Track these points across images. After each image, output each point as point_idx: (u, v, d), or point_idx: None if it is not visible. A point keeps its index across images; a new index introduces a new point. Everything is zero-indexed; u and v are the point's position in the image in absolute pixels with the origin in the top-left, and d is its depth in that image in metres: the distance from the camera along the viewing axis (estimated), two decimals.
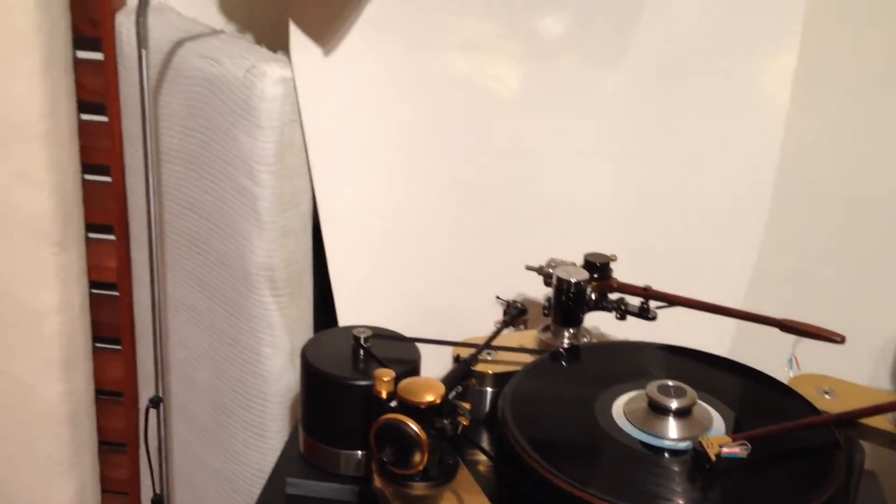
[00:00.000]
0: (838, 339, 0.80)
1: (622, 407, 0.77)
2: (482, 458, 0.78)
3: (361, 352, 0.84)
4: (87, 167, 1.21)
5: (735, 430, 0.74)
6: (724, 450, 0.69)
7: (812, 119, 1.02)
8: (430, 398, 0.69)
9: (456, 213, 1.08)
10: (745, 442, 0.69)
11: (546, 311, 0.91)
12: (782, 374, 0.84)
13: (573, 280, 0.88)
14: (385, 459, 0.70)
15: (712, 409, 0.76)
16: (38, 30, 1.07)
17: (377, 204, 1.09)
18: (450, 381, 0.77)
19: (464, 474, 0.73)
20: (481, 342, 0.87)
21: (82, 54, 1.18)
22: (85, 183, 1.21)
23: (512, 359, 0.87)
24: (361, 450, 0.82)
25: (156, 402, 1.02)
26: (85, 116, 1.20)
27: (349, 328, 0.86)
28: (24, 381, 1.23)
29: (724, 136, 1.01)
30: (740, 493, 0.69)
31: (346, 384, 0.80)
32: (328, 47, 1.03)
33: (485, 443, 0.83)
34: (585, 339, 0.90)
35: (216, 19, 1.15)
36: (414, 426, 0.68)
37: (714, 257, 1.04)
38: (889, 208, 1.04)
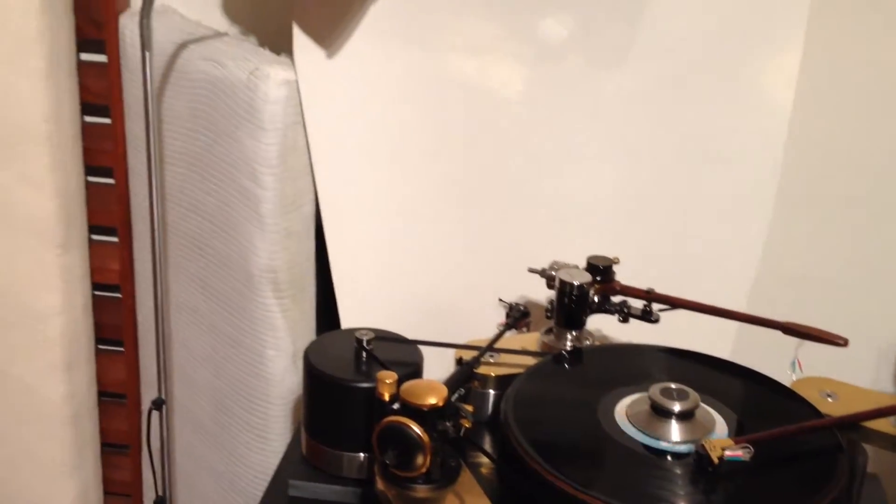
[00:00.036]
0: (841, 342, 0.80)
1: (625, 409, 0.77)
2: (485, 460, 0.78)
3: (364, 354, 0.84)
4: (90, 169, 1.21)
5: (738, 433, 0.74)
6: (727, 453, 0.69)
7: (816, 120, 1.02)
8: (432, 401, 0.69)
9: (459, 215, 1.08)
10: (748, 445, 0.69)
11: (549, 314, 0.91)
12: (785, 377, 0.84)
13: (576, 282, 0.88)
14: (387, 462, 0.70)
15: (715, 411, 0.76)
16: (41, 32, 1.08)
17: (380, 206, 1.09)
18: (452, 383, 0.77)
19: (466, 477, 0.73)
20: (484, 344, 0.87)
21: (86, 56, 1.18)
22: (88, 185, 1.21)
23: (514, 361, 0.87)
24: (364, 452, 0.82)
25: (158, 404, 1.02)
26: (88, 118, 1.20)
27: (352, 330, 0.86)
28: (26, 383, 1.23)
29: (728, 138, 1.01)
30: (743, 496, 0.69)
31: (348, 386, 0.81)
32: (331, 50, 1.03)
33: (487, 445, 0.83)
34: (588, 342, 0.90)
35: (220, 21, 1.15)
36: (416, 428, 0.68)
37: (717, 259, 1.04)
38: (893, 210, 1.04)
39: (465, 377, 0.81)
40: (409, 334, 0.88)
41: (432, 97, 1.04)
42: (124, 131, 1.18)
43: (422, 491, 0.71)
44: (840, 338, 0.80)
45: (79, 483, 1.30)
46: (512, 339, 0.92)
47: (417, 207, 1.08)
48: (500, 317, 0.91)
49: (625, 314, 0.90)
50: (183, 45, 1.07)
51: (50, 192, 1.14)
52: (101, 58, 1.17)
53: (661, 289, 0.89)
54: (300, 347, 1.07)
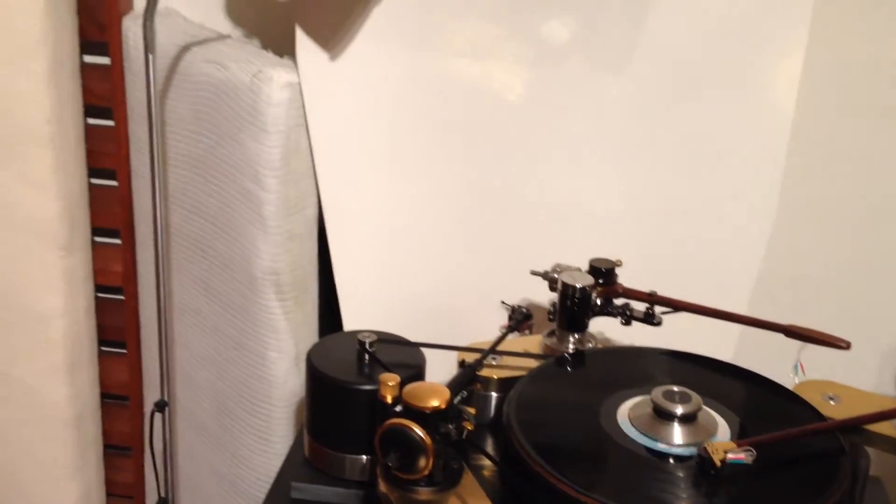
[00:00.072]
0: (844, 345, 0.80)
1: (627, 412, 0.77)
2: (487, 463, 0.78)
3: (367, 356, 0.84)
4: (93, 171, 1.21)
5: (740, 436, 0.74)
6: (730, 456, 0.69)
7: (818, 122, 1.02)
8: (435, 403, 0.69)
9: (461, 217, 1.08)
10: (751, 448, 0.69)
11: (551, 317, 0.91)
12: (787, 380, 0.84)
13: (578, 285, 0.88)
14: (390, 464, 0.70)
15: (717, 414, 0.76)
16: (45, 34, 1.08)
17: (382, 208, 1.09)
18: (455, 385, 0.77)
19: (468, 479, 0.73)
20: (486, 347, 0.87)
21: (89, 59, 1.18)
22: (91, 187, 1.22)
23: (517, 364, 0.87)
24: (366, 454, 0.82)
25: (161, 406, 1.03)
26: (91, 120, 1.20)
27: (354, 333, 0.86)
28: (29, 385, 1.23)
29: (730, 140, 1.01)
30: (745, 499, 0.69)
31: (351, 389, 0.81)
32: (334, 52, 1.04)
33: (490, 448, 0.83)
34: (590, 345, 0.90)
35: (223, 24, 1.16)
36: (419, 431, 0.68)
37: (719, 262, 1.04)
38: (895, 213, 1.04)
39: (467, 379, 0.81)
40: (412, 336, 0.88)
41: (435, 99, 1.05)
42: (127, 133, 1.19)
43: (424, 493, 0.70)
44: (842, 341, 0.80)
45: (81, 485, 1.30)
46: (514, 342, 0.92)
47: (420, 209, 1.08)
48: (503, 319, 0.91)
49: (627, 317, 0.90)
50: (186, 48, 1.07)
51: (53, 193, 1.14)
52: (105, 60, 1.17)
53: (663, 291, 0.89)
54: (302, 349, 1.07)
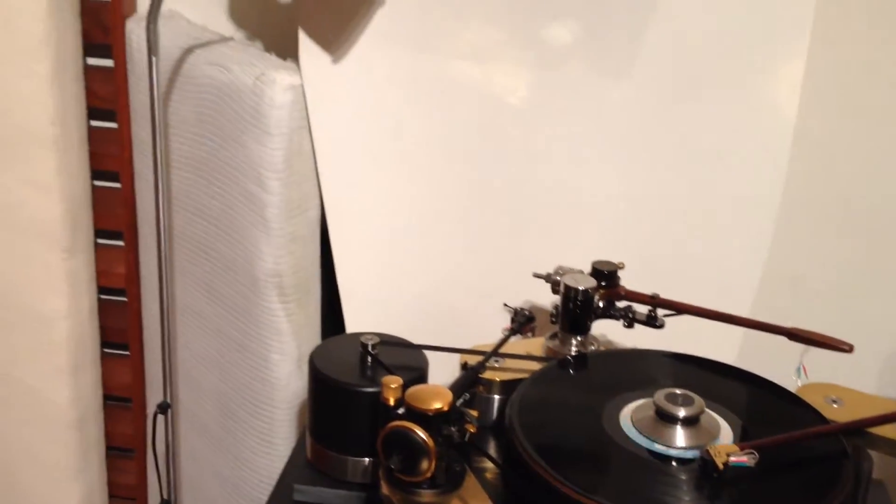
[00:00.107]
0: (846, 347, 0.80)
1: (630, 415, 0.77)
2: (489, 465, 0.78)
3: (369, 358, 0.84)
4: (96, 173, 1.22)
5: (743, 439, 0.74)
6: (732, 458, 0.69)
7: (820, 125, 1.02)
8: (437, 405, 0.70)
9: (463, 219, 1.08)
10: (753, 451, 0.69)
11: (554, 319, 0.91)
12: (790, 383, 0.84)
13: (581, 288, 0.88)
14: (392, 466, 0.70)
15: (720, 417, 0.76)
16: (48, 36, 1.08)
17: (385, 210, 1.09)
18: (457, 388, 0.77)
19: (471, 481, 0.73)
20: (489, 349, 0.87)
21: (92, 61, 1.18)
22: (94, 189, 1.22)
23: (519, 366, 0.87)
24: (369, 457, 0.82)
25: (163, 408, 1.03)
26: (95, 123, 1.20)
27: (357, 335, 0.86)
28: (32, 386, 1.24)
29: (732, 143, 1.01)
30: (748, 502, 0.69)
31: (353, 391, 0.81)
32: (337, 54, 1.04)
33: (492, 450, 0.83)
34: (593, 347, 0.90)
35: (226, 27, 1.16)
36: (421, 433, 0.68)
37: (721, 264, 1.04)
38: None
39: (470, 382, 0.81)
40: (414, 338, 0.88)
41: (437, 102, 1.05)
42: (130, 135, 1.19)
43: (426, 496, 0.71)
44: (845, 344, 0.80)
45: (84, 486, 1.30)
46: (517, 344, 0.92)
47: (422, 212, 1.08)
48: (505, 321, 0.92)
49: (630, 319, 0.90)
50: (189, 50, 1.08)
51: (56, 196, 1.15)
52: (108, 62, 1.18)
53: (665, 293, 0.89)
54: (305, 352, 1.07)
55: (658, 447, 0.73)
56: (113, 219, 1.24)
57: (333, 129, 1.05)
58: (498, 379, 0.86)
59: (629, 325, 0.90)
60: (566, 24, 1.01)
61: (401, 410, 0.71)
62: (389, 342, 0.86)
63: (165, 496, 1.08)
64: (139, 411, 1.32)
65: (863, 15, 1.00)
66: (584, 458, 0.74)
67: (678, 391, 0.76)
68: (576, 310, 0.89)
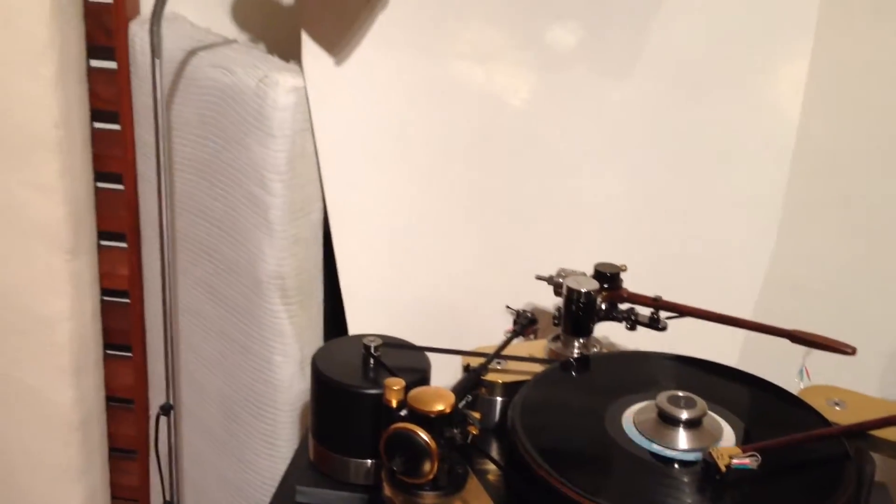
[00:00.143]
0: (849, 350, 0.80)
1: (632, 417, 0.77)
2: (492, 467, 0.78)
3: (372, 360, 0.84)
4: (99, 175, 1.22)
5: (745, 441, 0.74)
6: (734, 461, 0.69)
7: (824, 127, 1.02)
8: (440, 407, 0.70)
9: (466, 221, 1.08)
10: (756, 453, 0.69)
11: (556, 321, 0.91)
12: (793, 385, 0.84)
13: (583, 290, 0.88)
14: (395, 468, 0.70)
15: (722, 419, 0.76)
16: (52, 39, 1.08)
17: (387, 212, 1.09)
18: (460, 390, 0.77)
19: (473, 483, 0.73)
20: (491, 351, 0.87)
21: (96, 63, 1.18)
22: (97, 191, 1.22)
23: (522, 368, 0.87)
24: (371, 458, 0.82)
25: (166, 410, 1.03)
26: (98, 125, 1.21)
27: (359, 337, 0.86)
28: (34, 388, 1.24)
29: (735, 145, 1.01)
30: None
31: (356, 393, 0.81)
32: (340, 57, 1.04)
33: (494, 452, 0.83)
34: (595, 349, 0.90)
35: (229, 29, 1.16)
36: (424, 435, 0.68)
37: (724, 266, 1.04)
38: None
39: (472, 384, 0.81)
40: (416, 340, 0.88)
41: (439, 104, 1.05)
42: (134, 137, 1.19)
43: (429, 497, 0.71)
44: (848, 346, 0.80)
45: (86, 488, 1.30)
46: (519, 346, 0.92)
47: (425, 214, 1.08)
48: (508, 324, 0.92)
49: (632, 322, 0.90)
50: (192, 53, 1.08)
51: (59, 197, 1.15)
52: (111, 64, 1.18)
53: (668, 295, 0.89)
54: (308, 354, 1.07)
55: (660, 449, 0.73)
56: (116, 220, 1.24)
57: (336, 130, 1.05)
58: (500, 381, 0.86)
59: (631, 328, 0.90)
60: (567, 25, 1.01)
61: (403, 412, 0.71)
62: (392, 344, 0.86)
63: (168, 498, 1.08)
64: (142, 413, 1.32)
65: (866, 15, 1.00)
66: (586, 460, 0.74)
67: (680, 393, 0.76)
68: (578, 312, 0.89)
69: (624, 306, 0.91)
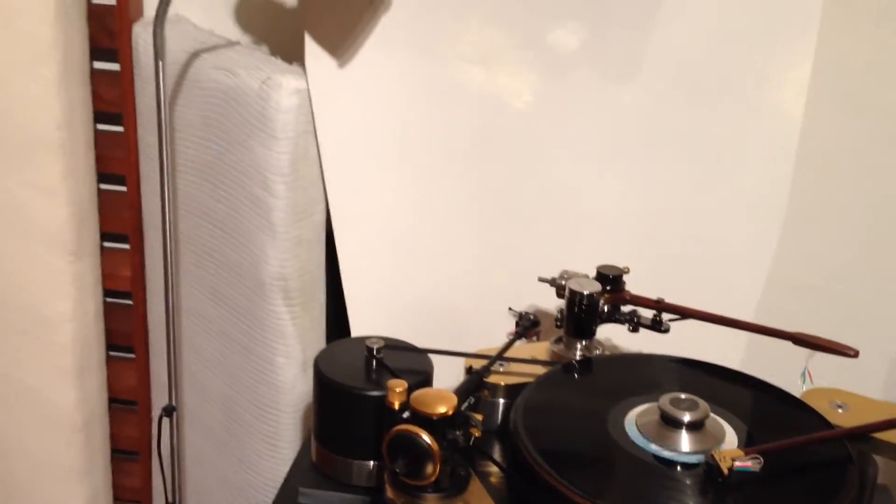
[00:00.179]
0: (852, 352, 0.80)
1: (634, 419, 0.77)
2: (494, 469, 0.78)
3: (374, 362, 0.84)
4: (102, 176, 1.22)
5: (747, 444, 0.74)
6: (737, 463, 0.69)
7: (827, 129, 1.02)
8: (442, 409, 0.70)
9: (469, 223, 1.08)
10: (758, 456, 0.69)
11: (558, 323, 0.92)
12: (795, 388, 0.84)
13: (586, 292, 0.88)
14: (397, 470, 0.70)
15: (725, 422, 0.76)
16: (55, 40, 1.08)
17: (390, 214, 1.09)
18: (462, 392, 0.77)
19: (475, 486, 0.73)
20: (494, 353, 0.87)
21: (99, 65, 1.19)
22: (100, 192, 1.22)
23: (524, 370, 0.87)
24: (373, 460, 0.82)
25: (169, 411, 1.03)
26: (101, 126, 1.21)
27: (362, 339, 0.86)
28: (37, 389, 1.24)
29: (738, 147, 1.01)
30: None
31: (358, 395, 0.81)
32: (343, 59, 1.04)
33: (497, 454, 0.83)
34: (598, 351, 0.90)
35: (232, 31, 1.16)
36: (426, 437, 0.69)
37: (727, 269, 1.04)
38: None
39: (474, 386, 0.81)
40: (419, 342, 0.88)
41: (442, 106, 1.05)
42: (137, 139, 1.19)
43: (431, 500, 0.71)
44: (850, 349, 0.80)
45: (89, 489, 1.30)
46: (522, 348, 0.92)
47: (427, 216, 1.08)
48: (510, 326, 0.92)
49: (635, 324, 0.90)
50: (195, 54, 1.08)
51: (62, 199, 1.15)
52: (115, 66, 1.18)
53: (670, 297, 0.89)
54: (310, 355, 1.07)
55: (663, 452, 0.73)
56: (119, 222, 1.24)
57: (339, 132, 1.05)
58: (503, 383, 0.86)
59: (634, 330, 0.90)
60: (570, 28, 1.01)
61: (406, 414, 0.71)
62: (394, 346, 0.86)
63: (170, 499, 1.08)
64: (144, 414, 1.32)
65: (870, 15, 1.00)
66: (588, 462, 0.74)
67: (683, 396, 0.76)
68: (581, 314, 0.89)
69: (626, 308, 0.91)
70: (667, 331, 0.89)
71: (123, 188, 1.23)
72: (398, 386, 0.72)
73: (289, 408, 1.09)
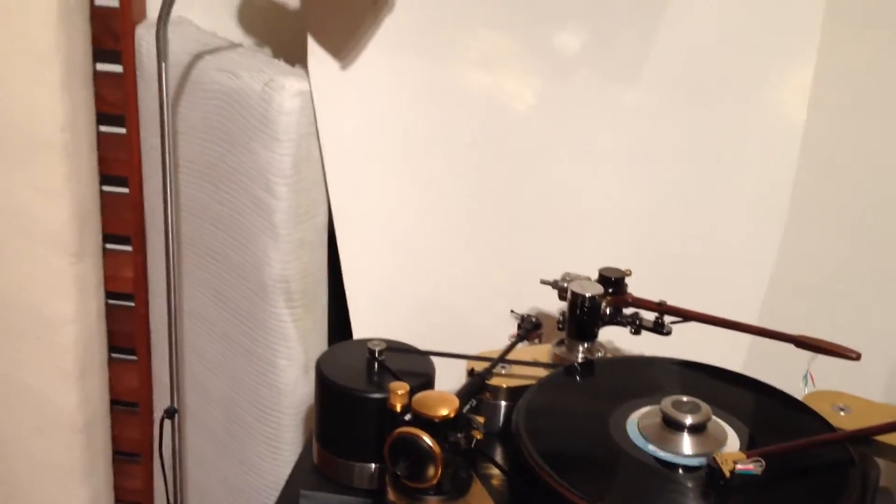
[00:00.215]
0: (853, 355, 0.80)
1: (636, 422, 0.77)
2: (496, 471, 0.78)
3: (376, 365, 0.84)
4: (105, 178, 1.22)
5: (749, 447, 0.74)
6: (739, 466, 0.69)
7: (829, 132, 1.02)
8: (444, 412, 0.70)
9: (471, 226, 1.08)
10: (760, 458, 0.69)
11: (560, 326, 0.91)
12: (797, 391, 0.84)
13: (588, 294, 0.88)
14: (399, 473, 0.70)
15: (727, 424, 0.76)
16: (58, 42, 1.09)
17: (392, 216, 1.09)
18: (464, 394, 0.77)
19: (477, 488, 0.73)
20: (496, 356, 0.87)
21: (102, 67, 1.19)
22: (103, 194, 1.22)
23: (526, 373, 0.87)
24: (375, 463, 0.82)
25: (171, 413, 1.03)
26: (104, 128, 1.21)
27: (364, 341, 0.86)
28: (39, 390, 1.24)
29: (741, 150, 1.01)
30: None
31: (360, 397, 0.81)
32: (346, 61, 1.04)
33: (498, 457, 0.83)
34: (600, 354, 0.90)
35: (235, 33, 1.16)
36: (428, 440, 0.69)
37: (729, 271, 1.04)
38: None
39: (476, 388, 0.81)
40: (421, 344, 0.88)
41: (445, 109, 1.05)
42: (139, 141, 1.19)
43: (433, 502, 0.71)
44: (853, 351, 0.80)
45: (90, 491, 1.30)
46: (524, 351, 0.92)
47: (430, 218, 1.08)
48: (512, 328, 0.92)
49: (637, 326, 0.90)
50: (198, 56, 1.08)
51: (65, 201, 1.15)
52: (117, 68, 1.18)
53: (673, 300, 0.89)
54: (312, 357, 1.07)
55: (664, 454, 0.73)
56: (121, 223, 1.24)
57: (341, 135, 1.05)
58: (504, 385, 0.86)
59: (636, 332, 0.90)
60: (573, 30, 1.01)
61: (407, 417, 0.71)
62: (396, 348, 0.86)
63: (171, 501, 1.08)
64: (146, 416, 1.32)
65: (872, 18, 1.00)
66: (590, 464, 0.74)
67: (685, 398, 0.76)
68: (583, 316, 0.89)
69: (628, 311, 0.91)
70: (669, 333, 0.89)
71: (126, 190, 1.23)
72: (400, 388, 0.72)
73: (290, 410, 1.09)
